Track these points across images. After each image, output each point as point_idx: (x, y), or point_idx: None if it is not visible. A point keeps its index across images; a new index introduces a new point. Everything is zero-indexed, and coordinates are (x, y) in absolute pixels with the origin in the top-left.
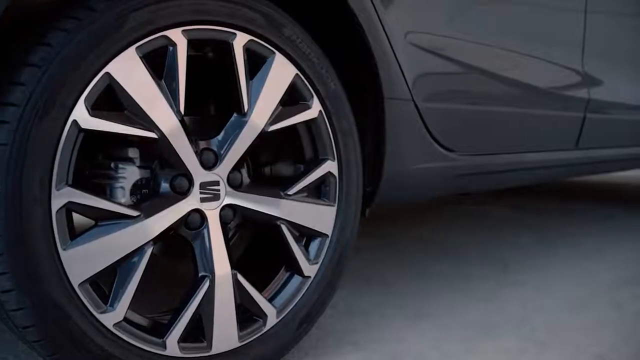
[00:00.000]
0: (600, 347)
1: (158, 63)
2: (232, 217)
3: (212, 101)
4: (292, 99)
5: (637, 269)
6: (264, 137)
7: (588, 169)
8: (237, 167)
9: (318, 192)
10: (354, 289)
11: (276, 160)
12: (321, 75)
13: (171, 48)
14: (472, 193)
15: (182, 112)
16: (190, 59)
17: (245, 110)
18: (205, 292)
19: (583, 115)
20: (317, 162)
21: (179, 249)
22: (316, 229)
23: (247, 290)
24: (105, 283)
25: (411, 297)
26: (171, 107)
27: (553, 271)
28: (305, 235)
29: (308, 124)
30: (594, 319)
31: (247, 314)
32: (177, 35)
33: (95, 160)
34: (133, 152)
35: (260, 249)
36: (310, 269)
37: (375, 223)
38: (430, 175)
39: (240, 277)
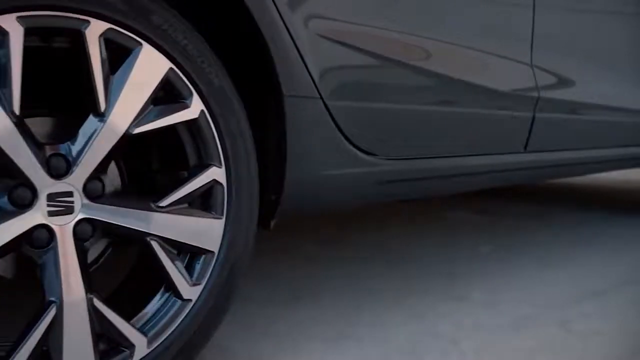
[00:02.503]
0: None
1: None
2: (91, 233)
3: (66, 100)
4: (169, 97)
5: (598, 283)
6: (134, 139)
7: (542, 173)
8: (97, 176)
9: (205, 202)
10: (279, 306)
11: (158, 167)
12: (202, 69)
13: (1, 38)
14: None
15: (18, 113)
16: (37, 50)
17: (103, 110)
18: (51, 321)
19: (532, 114)
20: (200, 169)
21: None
22: (198, 245)
23: (107, 318)
24: None
25: (340, 314)
26: (3, 107)
27: (504, 283)
28: (187, 252)
29: (189, 125)
30: (534, 341)
31: (111, 344)
32: (9, 23)
33: None
34: None
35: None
36: (190, 291)
37: (314, 226)
38: (348, 182)
39: (97, 303)
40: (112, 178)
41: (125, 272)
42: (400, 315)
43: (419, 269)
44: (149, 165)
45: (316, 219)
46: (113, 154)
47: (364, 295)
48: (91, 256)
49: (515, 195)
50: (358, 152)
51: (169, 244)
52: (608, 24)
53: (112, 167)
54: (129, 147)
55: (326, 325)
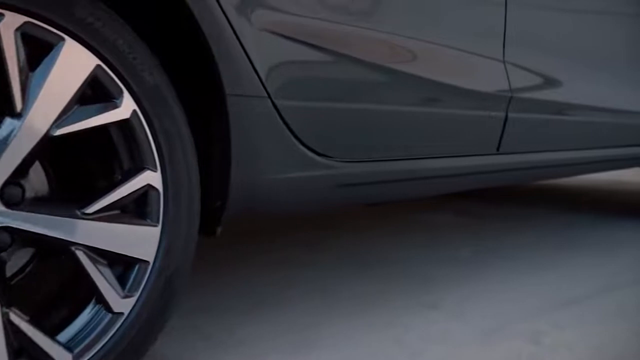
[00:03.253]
0: None
1: None
2: (9, 242)
3: None
4: (97, 96)
5: (577, 290)
6: (58, 141)
7: (518, 175)
8: (16, 180)
9: (139, 209)
10: (242, 313)
11: (89, 171)
12: (134, 67)
13: None
14: (380, 203)
15: None
16: None
17: (20, 109)
18: None
19: (504, 114)
20: (133, 173)
21: None
22: (130, 254)
23: (25, 333)
24: None
25: (305, 321)
26: None
27: (480, 290)
28: (119, 262)
29: (121, 126)
30: (499, 354)
31: None
32: None
33: None
34: None
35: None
36: (122, 304)
37: (286, 228)
38: (302, 185)
39: (14, 317)
40: (37, 183)
41: (54, 283)
42: (367, 323)
43: (393, 274)
44: (80, 169)
45: (289, 220)
46: (33, 157)
47: (332, 301)
48: (14, 267)
49: (502, 197)
50: (312, 155)
51: (97, 253)
52: (591, 22)
53: (39, 171)
54: (56, 150)
55: (290, 333)
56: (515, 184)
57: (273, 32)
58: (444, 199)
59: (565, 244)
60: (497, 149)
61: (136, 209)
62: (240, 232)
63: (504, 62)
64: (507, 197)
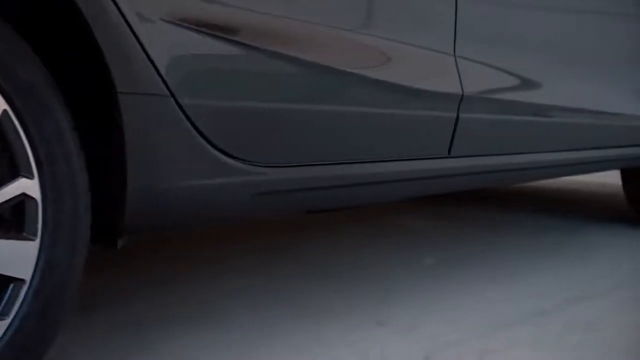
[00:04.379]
0: None
1: None
2: None
3: None
4: None
5: (542, 301)
6: None
7: (475, 180)
8: None
9: (14, 221)
10: (179, 327)
11: None
12: (3, 62)
13: None
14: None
15: None
16: None
17: None
18: None
19: (455, 115)
20: (5, 180)
21: None
22: (1, 272)
23: None
24: None
25: (246, 337)
26: None
27: (436, 303)
28: None
29: None
30: None
31: None
32: None
33: None
34: None
35: None
36: None
37: (237, 234)
38: (216, 193)
39: None
40: None
41: None
42: (307, 340)
43: (348, 285)
44: None
45: (251, 223)
46: None
47: (276, 316)
48: None
49: (482, 200)
50: (227, 159)
51: None
52: (563, 16)
53: None
54: None
55: (226, 350)
56: (476, 189)
57: (175, 22)
58: (422, 202)
59: (540, 250)
60: (449, 152)
61: (10, 221)
62: (194, 237)
63: (454, 56)
64: (487, 200)
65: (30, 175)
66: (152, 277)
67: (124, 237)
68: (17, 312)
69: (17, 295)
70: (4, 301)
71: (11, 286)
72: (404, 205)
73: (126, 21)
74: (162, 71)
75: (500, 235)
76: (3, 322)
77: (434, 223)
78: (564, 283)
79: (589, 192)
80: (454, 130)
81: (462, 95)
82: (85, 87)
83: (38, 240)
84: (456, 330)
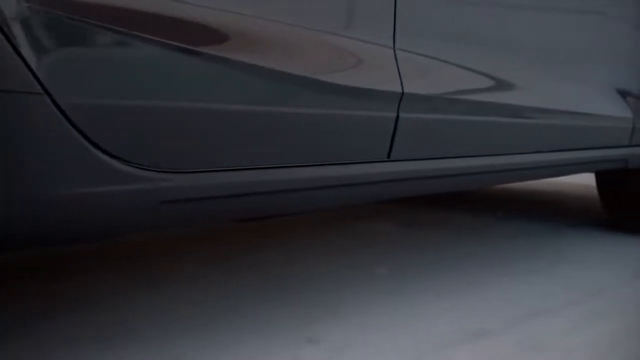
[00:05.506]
0: None
1: None
2: None
3: None
4: None
5: (492, 317)
6: None
7: (420, 185)
8: None
9: None
10: (86, 348)
11: None
12: None
13: None
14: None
15: None
16: None
17: None
18: None
19: (395, 115)
20: None
21: None
22: None
23: None
24: None
25: (162, 356)
26: None
27: (377, 318)
28: None
29: None
30: None
31: None
32: None
33: None
34: None
35: None
36: None
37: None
38: (108, 203)
39: None
40: None
41: None
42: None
43: (288, 299)
44: None
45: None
46: None
47: (203, 332)
48: None
49: (458, 203)
50: (120, 165)
51: None
52: (529, 12)
53: None
54: None
55: None
56: (426, 194)
57: (48, 8)
58: (394, 206)
59: (503, 258)
60: (388, 156)
61: None
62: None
63: (394, 50)
64: (464, 203)
65: None
66: (68, 293)
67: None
68: None
69: None
70: None
71: None
72: (375, 209)
73: None
74: (33, 65)
75: (466, 241)
76: None
77: (404, 229)
78: (520, 296)
79: (571, 194)
80: (394, 131)
81: (402, 93)
82: None
83: None
84: (392, 352)
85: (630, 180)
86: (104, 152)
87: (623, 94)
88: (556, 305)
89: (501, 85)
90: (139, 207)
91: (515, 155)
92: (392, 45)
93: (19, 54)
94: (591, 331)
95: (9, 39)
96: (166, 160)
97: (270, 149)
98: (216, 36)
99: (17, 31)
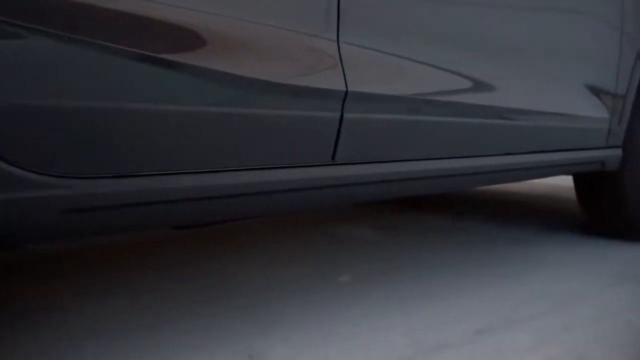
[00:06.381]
0: None
1: None
2: None
3: None
4: None
5: (453, 330)
6: None
7: (369, 191)
8: None
9: None
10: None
11: None
12: None
13: None
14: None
15: None
16: None
17: None
18: None
19: (339, 114)
20: None
21: None
22: None
23: None
24: None
25: None
26: None
27: (332, 331)
28: None
29: None
30: None
31: None
32: None
33: None
34: None
35: None
36: None
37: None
38: (8, 212)
39: None
40: None
41: None
42: None
43: (233, 310)
44: None
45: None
46: None
47: (147, 346)
48: None
49: (440, 207)
50: (13, 169)
51: None
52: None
53: None
54: None
55: None
56: (379, 199)
57: None
58: (377, 208)
59: (473, 267)
60: (333, 158)
61: None
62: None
63: (337, 42)
64: (445, 206)
65: None
66: None
67: None
68: None
69: None
70: None
71: None
72: (359, 211)
73: None
74: None
75: (438, 248)
76: None
77: (375, 233)
78: (491, 306)
79: (555, 196)
80: (338, 132)
81: (347, 91)
82: None
83: None
84: None
85: (608, 183)
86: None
87: (599, 93)
88: (526, 315)
89: (463, 83)
90: (44, 215)
91: (479, 157)
92: (335, 38)
93: None
94: (558, 346)
95: None
96: (71, 165)
97: (188, 152)
98: (118, 27)
99: None
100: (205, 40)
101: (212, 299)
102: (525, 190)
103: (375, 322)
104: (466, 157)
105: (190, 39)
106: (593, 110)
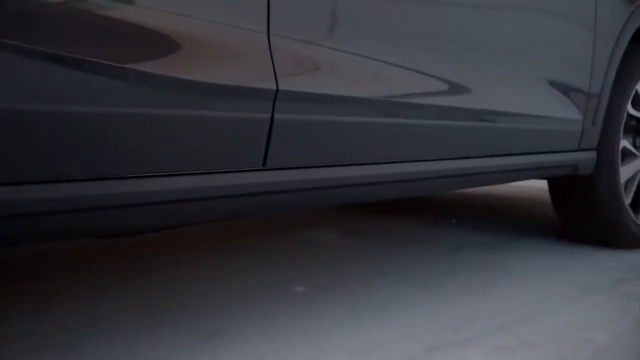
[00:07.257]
0: None
1: None
2: None
3: None
4: None
5: (398, 346)
6: None
7: (306, 198)
8: None
9: None
10: None
11: None
12: None
13: None
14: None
15: None
16: None
17: None
18: None
19: (269, 116)
20: None
21: None
22: None
23: None
24: None
25: None
26: None
27: (272, 347)
28: None
29: None
30: None
31: None
32: None
33: None
34: None
35: None
36: None
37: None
38: None
39: None
40: None
41: None
42: None
43: (170, 324)
44: None
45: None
46: None
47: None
48: None
49: (411, 211)
50: None
51: None
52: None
53: None
54: None
55: None
56: (320, 207)
57: None
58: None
59: (440, 274)
60: (263, 163)
61: None
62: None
63: (267, 35)
64: (415, 210)
65: None
66: None
67: None
68: None
69: None
70: None
71: None
72: (327, 215)
73: None
74: None
75: (404, 255)
76: None
77: (347, 239)
78: (444, 321)
79: (537, 199)
80: (269, 135)
81: (277, 90)
82: None
83: None
84: None
85: (582, 187)
86: None
87: (571, 94)
88: (483, 332)
89: (416, 80)
90: None
91: (434, 161)
92: (265, 31)
93: None
94: None
95: None
96: None
97: (114, 156)
98: (47, 30)
99: None
100: (117, 36)
101: (141, 313)
102: (505, 192)
103: (321, 339)
104: (417, 161)
105: (98, 33)
106: (564, 111)
